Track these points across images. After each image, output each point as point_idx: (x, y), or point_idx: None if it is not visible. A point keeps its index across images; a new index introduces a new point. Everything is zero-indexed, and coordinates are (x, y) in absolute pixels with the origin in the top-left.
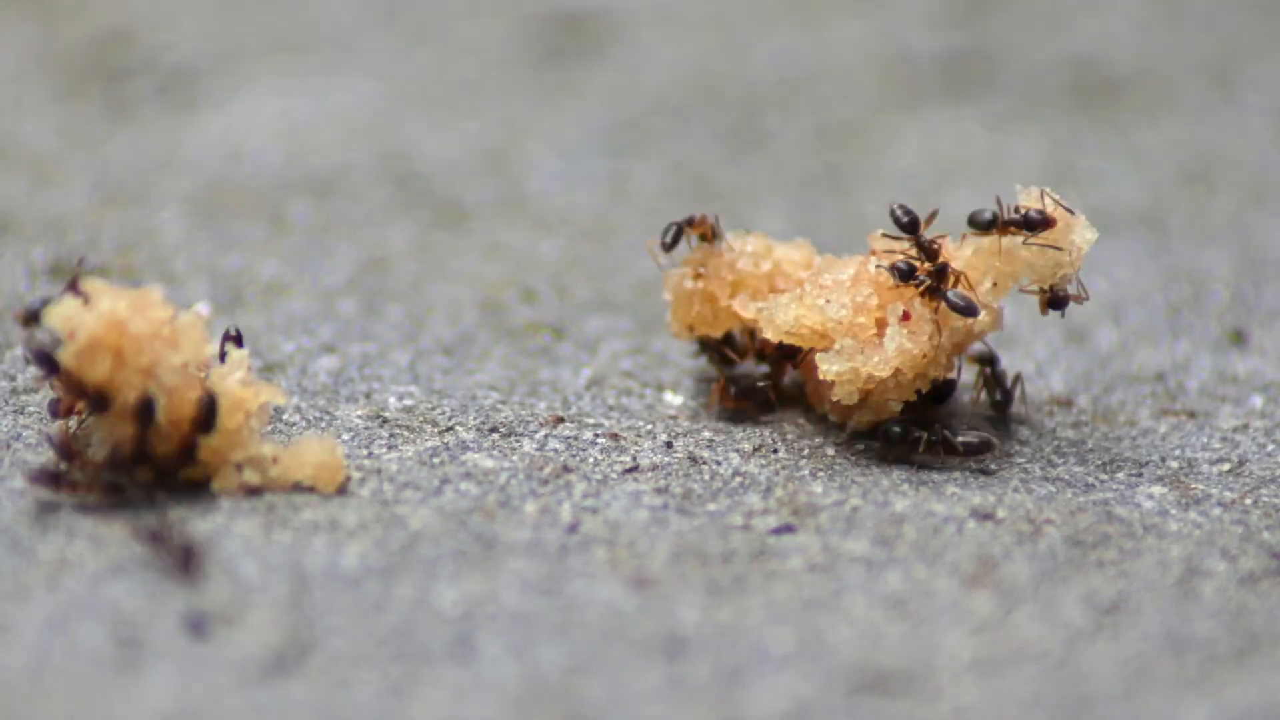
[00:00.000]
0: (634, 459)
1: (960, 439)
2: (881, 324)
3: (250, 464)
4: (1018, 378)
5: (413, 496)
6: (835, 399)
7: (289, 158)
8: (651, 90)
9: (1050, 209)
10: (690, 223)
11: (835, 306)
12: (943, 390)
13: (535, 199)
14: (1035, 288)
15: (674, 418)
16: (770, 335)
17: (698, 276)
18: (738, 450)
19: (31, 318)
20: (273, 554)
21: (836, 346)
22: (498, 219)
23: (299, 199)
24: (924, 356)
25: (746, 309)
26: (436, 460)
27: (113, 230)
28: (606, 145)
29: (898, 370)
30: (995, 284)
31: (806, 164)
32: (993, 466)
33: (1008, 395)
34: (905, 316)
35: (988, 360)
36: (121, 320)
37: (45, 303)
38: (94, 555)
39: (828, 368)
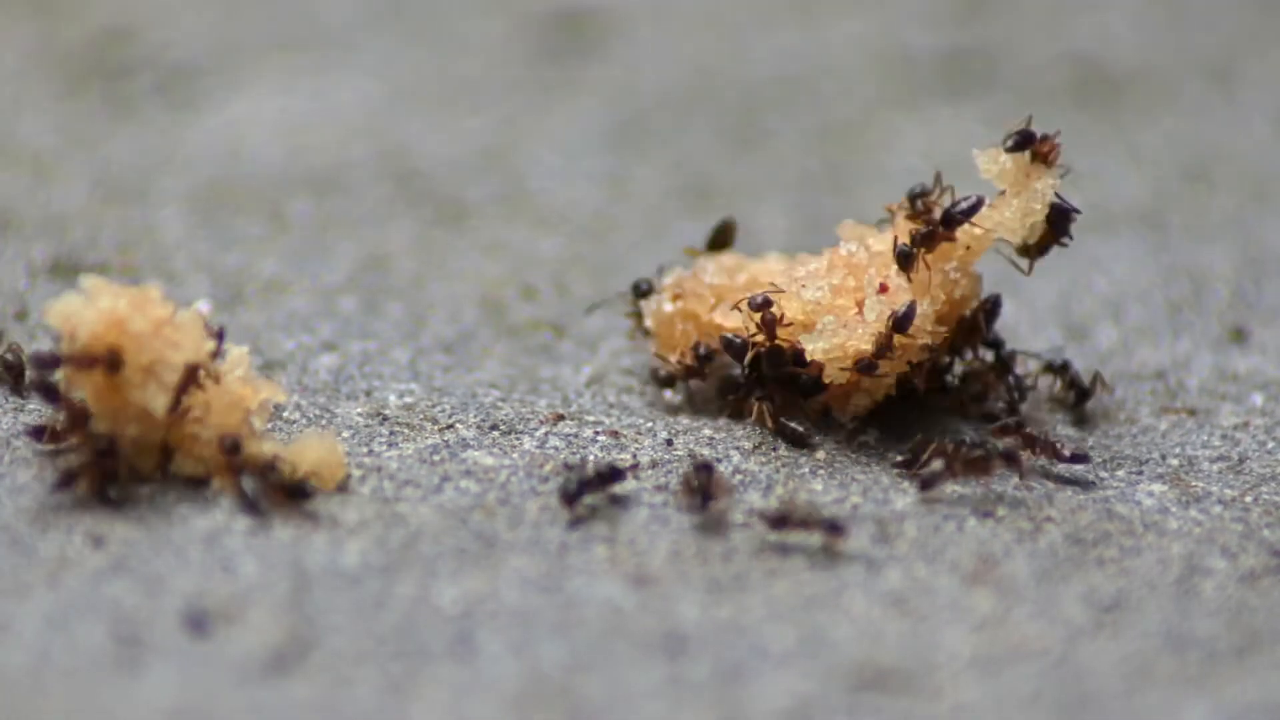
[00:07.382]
0: (634, 456)
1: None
2: (862, 304)
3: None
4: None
5: (413, 494)
6: (828, 380)
7: (289, 156)
8: (651, 88)
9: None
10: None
11: (812, 290)
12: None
13: (535, 197)
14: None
15: (674, 415)
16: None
17: (676, 298)
18: (738, 448)
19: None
20: (273, 552)
21: (819, 326)
22: (498, 217)
23: (299, 197)
24: None
25: (729, 318)
26: (437, 458)
27: (113, 228)
28: (606, 143)
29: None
30: (969, 248)
31: (807, 162)
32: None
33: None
34: (883, 288)
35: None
36: (122, 318)
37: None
38: (94, 553)
39: (813, 347)
